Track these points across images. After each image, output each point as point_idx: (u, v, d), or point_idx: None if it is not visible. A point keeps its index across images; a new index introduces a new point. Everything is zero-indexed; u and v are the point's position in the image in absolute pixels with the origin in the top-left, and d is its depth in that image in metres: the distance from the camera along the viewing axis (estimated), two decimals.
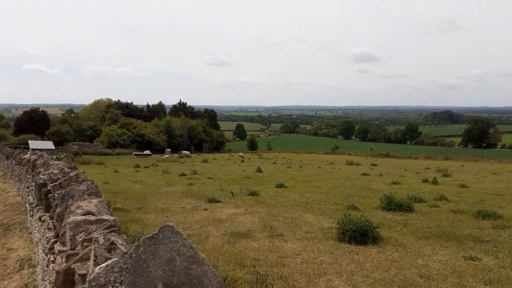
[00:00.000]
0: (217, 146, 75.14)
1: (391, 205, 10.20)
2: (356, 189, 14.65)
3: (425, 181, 17.92)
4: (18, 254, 6.55)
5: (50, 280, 3.18)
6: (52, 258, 3.15)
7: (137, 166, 24.53)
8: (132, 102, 79.58)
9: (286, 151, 74.69)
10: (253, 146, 72.78)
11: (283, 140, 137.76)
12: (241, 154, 50.36)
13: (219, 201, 11.23)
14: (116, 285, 1.26)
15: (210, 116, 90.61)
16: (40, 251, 4.48)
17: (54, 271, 2.58)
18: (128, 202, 11.02)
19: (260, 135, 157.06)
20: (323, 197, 12.56)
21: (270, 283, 4.67)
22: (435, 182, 17.43)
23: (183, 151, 44.74)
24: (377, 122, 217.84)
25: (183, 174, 19.20)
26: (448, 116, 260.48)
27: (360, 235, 6.73)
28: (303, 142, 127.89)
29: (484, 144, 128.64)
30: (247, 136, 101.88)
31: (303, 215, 9.46)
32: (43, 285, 3.91)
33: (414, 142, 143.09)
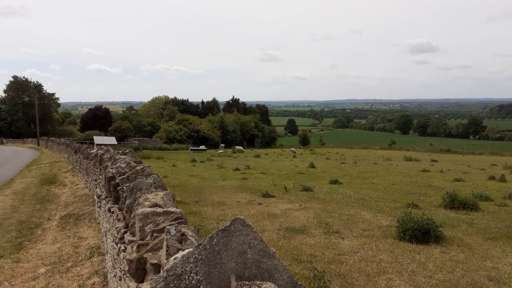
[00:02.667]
0: (269, 142, 75.48)
1: (454, 203, 9.67)
2: (415, 186, 14.04)
3: (492, 178, 16.77)
4: (88, 243, 7.02)
5: (121, 268, 3.38)
6: (122, 248, 3.35)
7: (193, 160, 25.30)
8: (187, 99, 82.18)
9: (339, 147, 73.32)
10: (305, 141, 72.21)
11: (336, 135, 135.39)
12: (293, 149, 50.17)
13: (272, 196, 11.29)
14: (192, 275, 1.31)
15: (261, 111, 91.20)
16: (110, 240, 4.77)
17: (125, 260, 2.74)
18: (186, 195, 11.41)
19: (312, 130, 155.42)
20: (380, 194, 12.19)
21: (328, 280, 4.63)
22: (502, 179, 16.25)
23: (237, 146, 45.46)
24: (436, 115, 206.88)
25: (237, 169, 19.51)
26: None
27: (421, 234, 6.46)
28: (358, 137, 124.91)
29: None
30: (299, 131, 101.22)
31: (359, 212, 9.24)
32: (114, 272, 4.17)
33: (478, 136, 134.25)
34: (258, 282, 1.15)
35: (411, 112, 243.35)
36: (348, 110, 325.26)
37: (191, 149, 42.61)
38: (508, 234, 7.08)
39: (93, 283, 5.16)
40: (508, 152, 57.74)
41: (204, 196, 11.44)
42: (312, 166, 21.97)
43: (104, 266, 5.66)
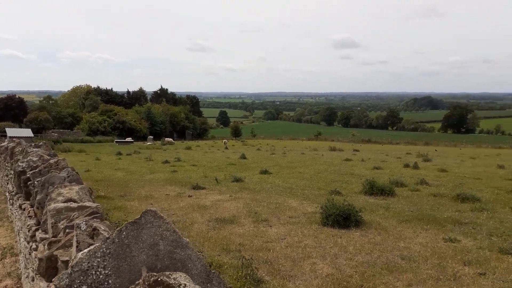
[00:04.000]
0: (201, 133, 74.71)
1: (373, 189, 10.36)
2: (339, 175, 14.81)
3: (406, 166, 18.23)
4: (0, 243, 6.41)
5: (33, 268, 3.12)
6: (34, 246, 3.09)
7: (119, 153, 24.20)
8: (112, 89, 78.10)
9: (270, 138, 74.86)
10: (237, 133, 72.72)
11: (267, 127, 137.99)
12: (225, 140, 50.24)
13: (203, 188, 11.20)
14: (99, 270, 1.23)
15: (192, 102, 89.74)
16: (22, 239, 4.39)
17: (36, 259, 2.53)
18: (111, 189, 10.89)
19: (243, 122, 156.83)
20: (306, 182, 12.66)
21: (256, 268, 4.70)
22: (416, 167, 17.75)
23: (166, 138, 44.33)
24: (359, 108, 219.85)
25: (167, 162, 19.05)
26: (428, 102, 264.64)
27: (343, 219, 6.83)
28: (287, 128, 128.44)
29: (463, 130, 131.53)
30: (231, 123, 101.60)
31: (287, 200, 9.53)
32: (26, 273, 3.84)
33: (395, 127, 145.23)
34: (167, 273, 1.10)
35: (336, 104, 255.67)
36: (278, 103, 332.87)
37: (116, 142, 40.71)
38: (419, 217, 7.75)
39: (5, 286, 4.72)
40: (421, 142, 63.12)
41: (130, 190, 11.01)
42: (243, 157, 22.18)
43: (18, 267, 5.21)
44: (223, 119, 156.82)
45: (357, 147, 41.34)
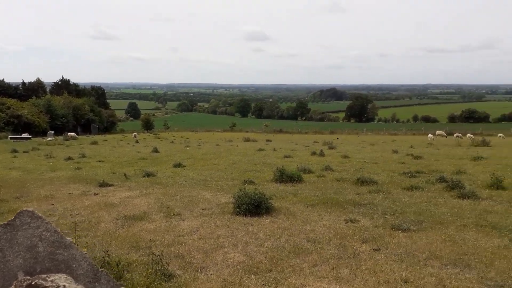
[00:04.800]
0: (108, 127, 70.59)
1: (283, 177, 10.80)
2: (252, 164, 15.15)
3: (313, 153, 19.31)
4: None
5: None
6: None
7: (15, 151, 21.83)
8: (3, 80, 69.93)
9: (184, 130, 73.66)
10: (148, 126, 70.20)
11: (181, 119, 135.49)
12: (135, 134, 48.23)
13: (111, 185, 10.64)
14: None
15: (98, 94, 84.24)
16: None
17: None
18: (5, 191, 9.80)
19: (155, 114, 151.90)
20: (221, 173, 12.73)
21: (167, 263, 4.61)
22: (321, 154, 18.89)
23: (69, 133, 41.07)
24: (271, 99, 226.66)
25: (70, 158, 17.69)
26: (333, 94, 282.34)
27: (254, 207, 7.01)
28: (201, 120, 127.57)
29: (364, 118, 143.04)
30: (142, 115, 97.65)
31: (201, 192, 9.49)
32: None
33: (304, 118, 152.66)
34: (44, 276, 1.03)
35: (249, 96, 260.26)
36: (192, 94, 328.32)
37: (11, 138, 36.67)
38: (323, 201, 8.27)
39: None
40: (327, 131, 67.20)
41: (27, 190, 10.03)
42: (155, 151, 21.50)
43: None
44: (133, 111, 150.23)
45: (270, 138, 42.65)
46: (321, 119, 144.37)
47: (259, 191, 7.55)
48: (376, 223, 6.58)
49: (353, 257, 4.97)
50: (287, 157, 18.06)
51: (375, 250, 5.22)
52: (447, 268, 4.57)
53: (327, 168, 13.28)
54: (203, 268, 4.79)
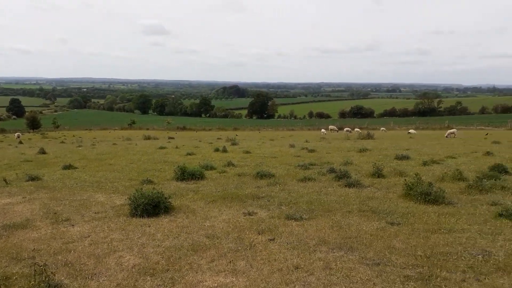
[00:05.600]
0: None
1: (184, 175, 10.67)
2: (152, 163, 14.67)
3: (216, 150, 19.43)
4: None
5: None
6: None
7: None
8: None
9: (76, 129, 68.33)
10: (34, 124, 63.59)
11: (73, 117, 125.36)
12: (18, 134, 43.33)
13: None
14: None
15: None
16: None
17: None
18: None
19: (43, 112, 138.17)
20: (117, 174, 12.10)
21: (52, 272, 4.24)
22: (224, 150, 19.10)
23: None
24: (173, 96, 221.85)
25: None
26: (235, 91, 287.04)
27: (152, 207, 6.81)
28: (97, 117, 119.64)
29: (265, 115, 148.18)
30: (26, 113, 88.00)
31: (93, 195, 8.90)
32: None
33: (208, 115, 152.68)
34: None
35: (150, 92, 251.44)
36: (85, 89, 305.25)
37: None
38: (224, 196, 8.38)
39: None
40: (230, 127, 68.18)
41: None
42: (42, 152, 19.54)
43: None
44: (16, 109, 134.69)
45: (172, 135, 41.80)
46: (225, 116, 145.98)
47: (158, 191, 7.35)
48: (272, 214, 6.88)
49: (249, 249, 5.13)
50: (190, 154, 17.87)
51: (270, 240, 5.46)
52: (334, 252, 4.98)
53: (229, 164, 13.47)
54: (95, 274, 4.51)
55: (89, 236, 5.86)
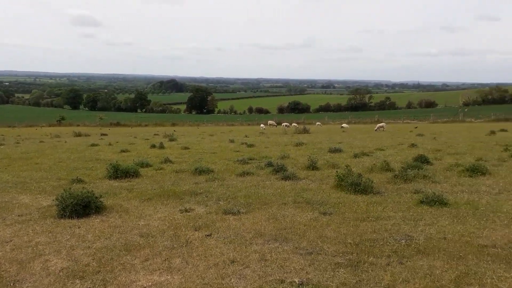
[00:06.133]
0: None
1: (118, 173, 10.26)
2: (83, 161, 13.94)
3: (153, 146, 18.92)
4: None
5: None
6: None
7: None
8: None
9: None
10: None
11: None
12: None
13: None
14: None
15: None
16: None
17: None
18: None
19: None
20: (44, 174, 11.32)
21: None
22: (161, 146, 18.66)
23: None
24: (106, 90, 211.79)
25: None
26: (173, 85, 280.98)
27: (82, 207, 6.47)
28: (21, 113, 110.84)
29: (205, 110, 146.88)
30: None
31: (16, 197, 8.26)
32: None
33: (144, 110, 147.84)
34: None
35: (80, 86, 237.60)
36: (7, 83, 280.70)
37: None
38: (160, 193, 8.19)
39: None
40: (168, 123, 66.69)
41: None
42: None
43: None
44: None
45: (106, 131, 39.97)
46: (163, 111, 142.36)
47: (88, 190, 6.99)
48: (210, 209, 6.86)
49: (185, 246, 5.07)
50: (124, 151, 17.22)
51: (207, 235, 5.44)
52: (269, 244, 5.08)
53: (167, 161, 13.18)
54: (17, 281, 4.20)
55: (11, 241, 5.42)
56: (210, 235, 5.47)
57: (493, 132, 24.15)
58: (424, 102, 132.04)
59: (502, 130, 27.52)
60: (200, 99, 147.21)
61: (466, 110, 78.83)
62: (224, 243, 5.14)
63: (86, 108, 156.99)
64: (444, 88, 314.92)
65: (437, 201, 6.83)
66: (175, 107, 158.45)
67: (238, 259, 4.58)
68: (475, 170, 9.61)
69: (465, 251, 4.67)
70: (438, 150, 15.08)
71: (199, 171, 10.81)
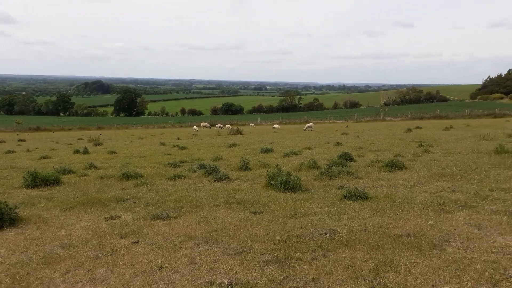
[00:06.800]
0: None
1: (37, 181, 9.52)
2: None
3: (76, 152, 17.85)
4: None
5: None
6: None
7: None
8: None
9: None
10: None
11: None
12: None
13: None
14: None
15: None
16: None
17: None
18: None
19: None
20: None
21: None
22: (86, 151, 17.66)
23: None
24: (23, 92, 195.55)
25: None
26: (99, 86, 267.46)
27: None
28: None
29: (134, 112, 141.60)
30: None
31: None
32: None
33: (67, 113, 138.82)
34: None
35: None
36: None
37: None
38: (84, 201, 7.74)
39: None
40: (94, 126, 63.26)
41: None
42: None
43: None
44: None
45: (24, 137, 36.91)
46: (88, 114, 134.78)
47: (1, 201, 6.40)
48: (138, 216, 6.63)
49: (110, 255, 4.85)
50: (45, 158, 16.05)
51: (134, 243, 5.25)
52: (199, 247, 5.04)
53: (91, 166, 12.52)
54: None
55: None
56: (137, 242, 5.29)
57: (409, 130, 26.25)
58: (349, 103, 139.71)
59: (417, 127, 30.02)
60: (129, 100, 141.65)
61: (386, 109, 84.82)
62: (152, 249, 5.00)
63: (1, 112, 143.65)
64: (367, 89, 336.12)
65: (359, 196, 7.26)
66: (101, 109, 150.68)
67: (167, 265, 4.48)
68: (393, 165, 10.37)
69: (383, 241, 5.02)
70: (361, 147, 16.02)
71: (127, 176, 10.40)
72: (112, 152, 17.39)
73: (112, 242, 5.30)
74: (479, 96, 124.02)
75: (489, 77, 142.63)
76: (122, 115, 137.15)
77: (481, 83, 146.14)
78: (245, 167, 11.40)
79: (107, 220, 6.40)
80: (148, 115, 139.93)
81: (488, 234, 5.14)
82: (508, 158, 11.09)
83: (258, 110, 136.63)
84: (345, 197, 7.34)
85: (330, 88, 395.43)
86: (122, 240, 5.38)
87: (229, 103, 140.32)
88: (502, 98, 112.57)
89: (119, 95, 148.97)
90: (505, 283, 3.77)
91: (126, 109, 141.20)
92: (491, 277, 3.90)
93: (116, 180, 10.31)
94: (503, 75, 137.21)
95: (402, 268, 4.20)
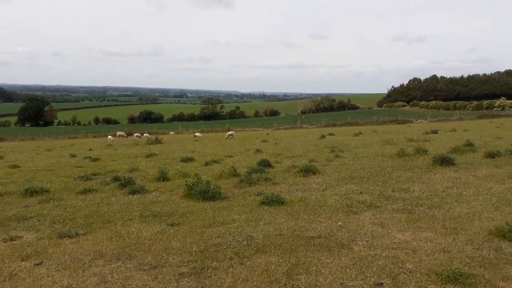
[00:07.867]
0: None
1: None
2: None
3: None
4: None
5: None
6: None
7: None
8: None
9: None
10: None
11: None
12: None
13: None
14: None
15: None
16: None
17: None
18: None
19: None
20: None
21: None
22: None
23: None
24: None
25: None
26: (0, 94, 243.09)
27: None
28: None
29: (42, 122, 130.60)
30: None
31: None
32: None
33: None
34: None
35: None
36: None
37: None
38: None
39: None
40: None
41: None
42: None
43: None
44: None
45: None
46: None
47: None
48: (42, 235, 6.09)
49: (8, 280, 4.38)
50: None
51: (37, 264, 4.81)
52: (111, 264, 4.78)
53: None
54: None
55: None
56: (40, 263, 4.85)
57: (323, 136, 27.79)
58: (268, 111, 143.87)
59: (330, 134, 31.89)
60: (35, 109, 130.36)
61: (303, 117, 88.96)
62: (57, 270, 4.62)
63: None
64: (285, 98, 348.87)
65: (276, 201, 7.48)
66: (3, 119, 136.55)
67: (74, 286, 4.17)
68: (308, 170, 10.87)
69: (297, 244, 5.22)
70: (279, 154, 16.55)
71: (31, 192, 9.53)
72: (14, 166, 15.81)
73: (11, 266, 4.79)
74: (385, 104, 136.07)
75: (393, 86, 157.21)
76: (27, 125, 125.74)
77: (386, 92, 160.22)
78: (163, 177, 11.10)
79: (5, 242, 5.78)
80: (57, 124, 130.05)
81: (389, 231, 5.61)
82: (408, 160, 12.26)
83: (179, 118, 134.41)
84: (262, 203, 7.50)
85: (251, 96, 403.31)
86: (23, 263, 4.89)
87: (148, 111, 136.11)
88: (404, 106, 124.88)
89: (24, 104, 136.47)
90: (403, 276, 4.14)
91: (32, 118, 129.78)
92: (391, 271, 4.25)
93: (18, 196, 9.39)
94: (405, 85, 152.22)
95: (313, 269, 4.40)
